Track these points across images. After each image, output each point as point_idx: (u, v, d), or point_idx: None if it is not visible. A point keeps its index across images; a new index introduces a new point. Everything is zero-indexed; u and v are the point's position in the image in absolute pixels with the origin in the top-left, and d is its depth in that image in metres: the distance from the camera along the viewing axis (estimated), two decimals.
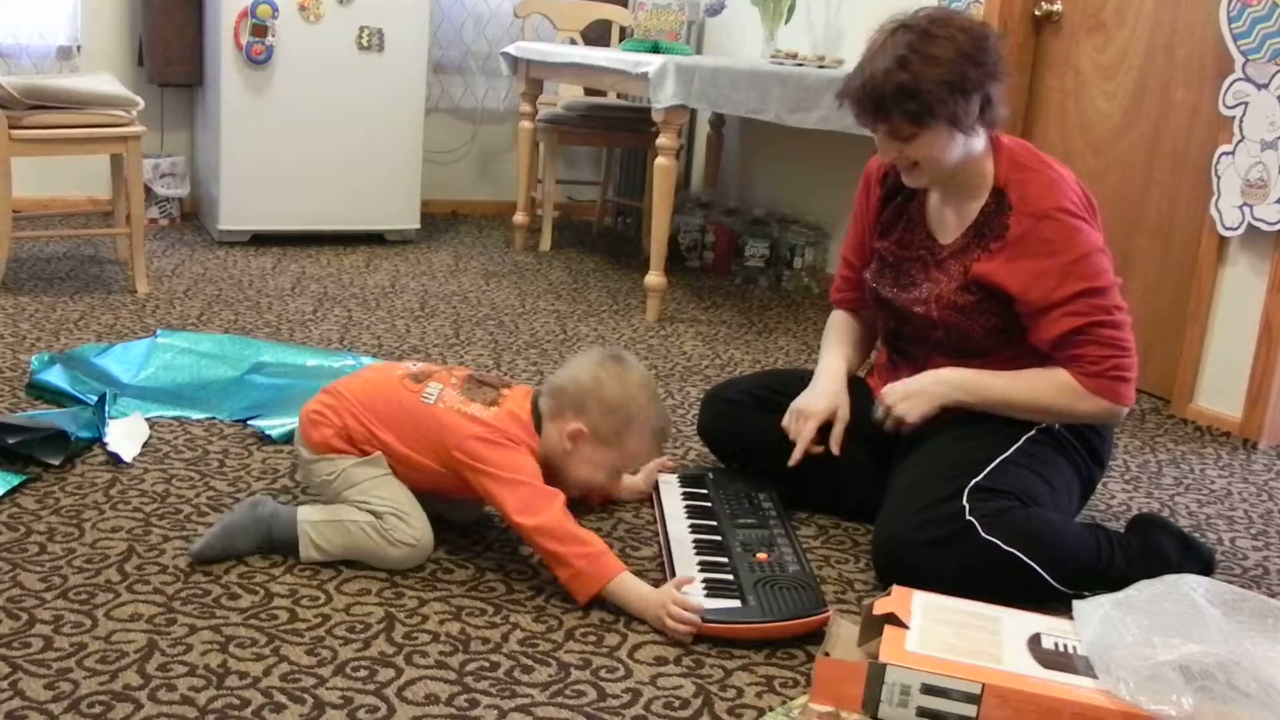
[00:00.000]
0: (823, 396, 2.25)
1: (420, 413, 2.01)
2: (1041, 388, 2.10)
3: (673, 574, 1.96)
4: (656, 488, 2.33)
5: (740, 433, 2.38)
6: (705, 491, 2.30)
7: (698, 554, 2.03)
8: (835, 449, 2.22)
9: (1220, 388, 3.18)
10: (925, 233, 2.22)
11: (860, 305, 2.41)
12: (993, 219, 2.11)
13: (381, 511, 1.97)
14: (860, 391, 2.37)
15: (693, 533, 2.11)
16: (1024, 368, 2.12)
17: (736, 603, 1.86)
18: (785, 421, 2.27)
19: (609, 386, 2.01)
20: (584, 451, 2.02)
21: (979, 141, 2.09)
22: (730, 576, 1.94)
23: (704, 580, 1.92)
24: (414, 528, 1.97)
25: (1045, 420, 2.12)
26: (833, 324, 2.45)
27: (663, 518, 2.20)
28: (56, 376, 2.72)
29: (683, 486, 2.33)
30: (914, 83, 1.98)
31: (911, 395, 2.15)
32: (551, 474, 2.03)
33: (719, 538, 2.09)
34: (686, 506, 2.23)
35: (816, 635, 1.82)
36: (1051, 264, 2.05)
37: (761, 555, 2.00)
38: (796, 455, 2.23)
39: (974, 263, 2.11)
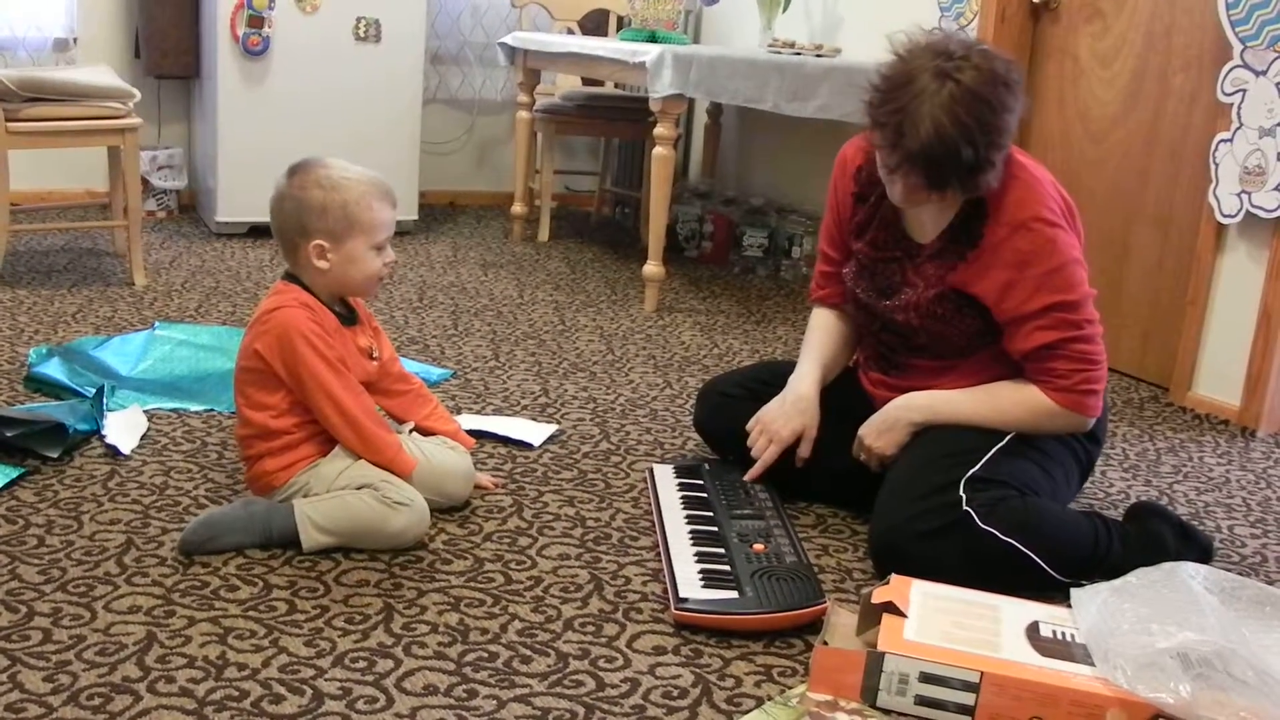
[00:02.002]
0: (793, 417, 2.25)
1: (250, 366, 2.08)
2: (1009, 407, 2.10)
3: (669, 566, 1.96)
4: (653, 479, 2.33)
5: (736, 427, 2.37)
6: (701, 483, 2.29)
7: (694, 545, 2.03)
8: (798, 463, 2.25)
9: (1219, 375, 3.18)
10: (900, 232, 2.19)
11: (841, 300, 2.38)
12: (970, 224, 2.08)
13: (374, 480, 2.01)
14: (850, 382, 2.37)
15: (689, 524, 2.11)
16: (1006, 365, 2.12)
17: (734, 594, 1.86)
18: (751, 430, 2.28)
19: (308, 196, 2.04)
20: (339, 255, 2.05)
21: None
22: (727, 568, 1.94)
23: (700, 571, 1.92)
24: (406, 489, 2.02)
25: (1015, 431, 2.10)
26: (813, 326, 2.41)
27: (659, 509, 2.19)
28: (54, 369, 2.72)
29: (679, 478, 2.33)
30: (976, 155, 1.93)
31: (885, 431, 2.17)
32: (346, 291, 2.13)
33: (715, 529, 2.09)
34: (683, 498, 2.23)
35: (814, 625, 1.82)
36: (1025, 275, 2.03)
37: (758, 546, 2.00)
38: (754, 473, 2.26)
39: (949, 271, 2.10)
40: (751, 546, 2.00)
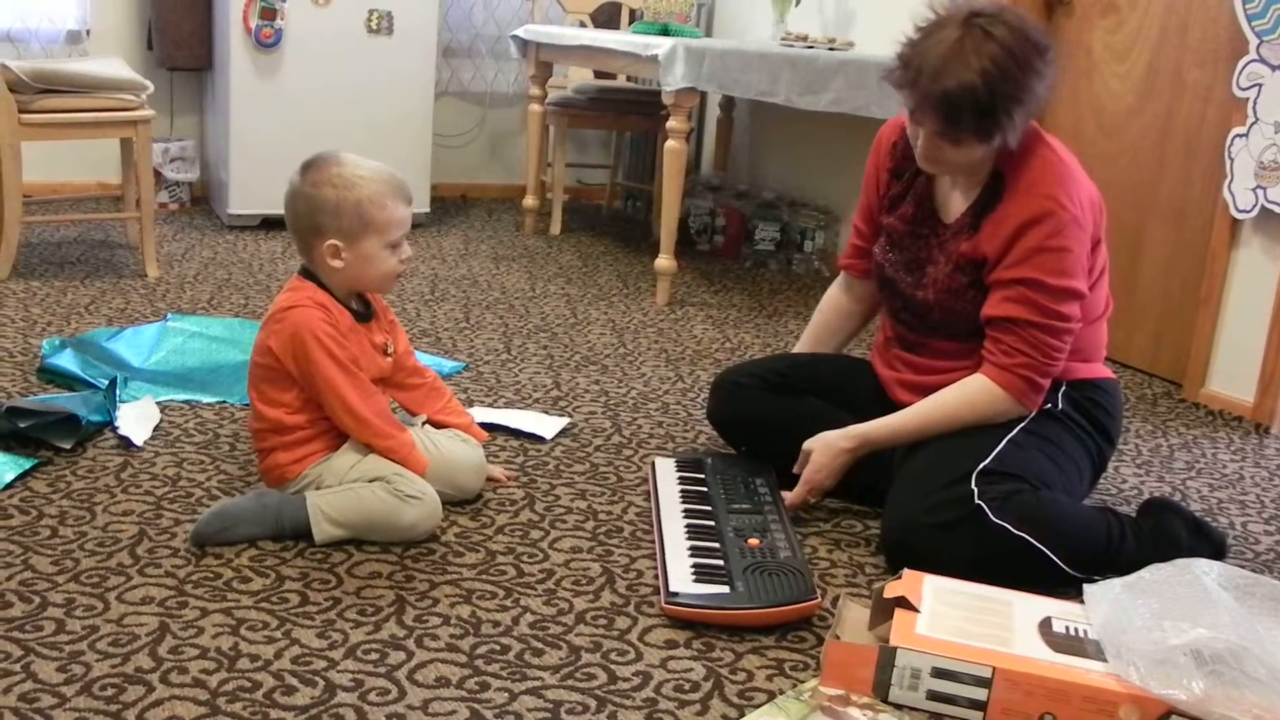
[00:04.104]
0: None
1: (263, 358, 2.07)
2: (945, 398, 2.11)
3: (662, 559, 1.96)
4: (654, 471, 2.33)
5: (749, 417, 2.37)
6: (702, 476, 2.29)
7: (689, 539, 2.02)
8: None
9: (1233, 372, 3.17)
10: (930, 210, 2.20)
11: (863, 274, 2.40)
12: (992, 199, 2.09)
13: (386, 473, 2.01)
14: (864, 370, 2.36)
15: (686, 517, 2.11)
16: None
17: (725, 588, 1.85)
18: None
19: (321, 195, 2.02)
20: (354, 254, 2.04)
21: None
22: (720, 562, 1.93)
23: (693, 565, 1.92)
24: (419, 482, 2.02)
25: (962, 427, 2.09)
26: (819, 320, 2.50)
27: (657, 502, 2.19)
28: (67, 360, 2.73)
29: (680, 471, 2.32)
30: (992, 100, 1.94)
31: (821, 468, 2.15)
32: (361, 288, 2.12)
33: (712, 523, 2.08)
34: (682, 491, 2.22)
35: (806, 621, 1.83)
36: (1019, 243, 2.03)
37: (753, 541, 1.99)
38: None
39: (965, 241, 2.11)
40: (746, 541, 1.99)
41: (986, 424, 2.08)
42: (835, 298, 2.50)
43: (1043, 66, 1.99)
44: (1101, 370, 2.23)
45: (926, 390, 2.16)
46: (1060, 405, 2.14)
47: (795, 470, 2.20)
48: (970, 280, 2.11)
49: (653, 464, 2.38)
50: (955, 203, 2.16)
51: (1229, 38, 3.16)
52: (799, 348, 2.55)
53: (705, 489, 2.23)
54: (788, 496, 2.19)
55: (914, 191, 2.22)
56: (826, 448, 2.15)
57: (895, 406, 2.20)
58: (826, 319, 2.51)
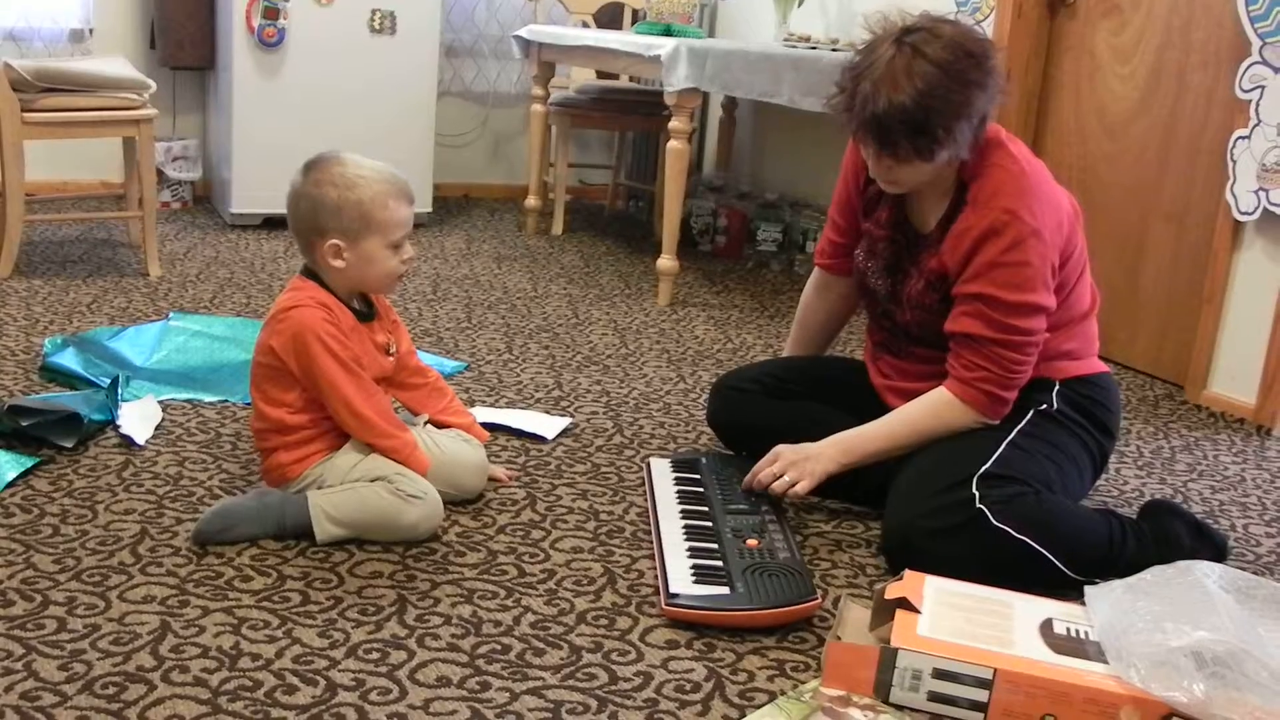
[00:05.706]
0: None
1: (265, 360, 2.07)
2: (914, 410, 2.12)
3: (661, 560, 1.96)
4: (649, 471, 2.33)
5: (749, 421, 2.37)
6: (698, 476, 2.29)
7: (687, 540, 2.02)
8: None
9: (1234, 374, 3.16)
10: (904, 218, 2.20)
11: (844, 272, 2.39)
12: (954, 213, 2.09)
13: (388, 473, 2.01)
14: (863, 373, 2.36)
15: (684, 518, 2.11)
16: None
17: (725, 589, 1.85)
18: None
19: (322, 195, 2.01)
20: (355, 255, 2.04)
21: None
22: (719, 563, 1.93)
23: (693, 566, 1.92)
24: (420, 482, 2.02)
25: (929, 439, 2.10)
26: (800, 325, 2.52)
27: (654, 502, 2.19)
28: (69, 359, 2.73)
29: (675, 471, 2.32)
30: (927, 119, 1.93)
31: (798, 464, 2.13)
32: (363, 289, 2.11)
33: (710, 524, 2.08)
34: (678, 492, 2.22)
35: (806, 622, 1.83)
36: (976, 259, 2.02)
37: (752, 542, 1.99)
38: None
39: (933, 257, 2.10)
40: (745, 541, 1.99)
41: (951, 433, 2.09)
42: (812, 301, 2.50)
43: (981, 76, 1.96)
44: (1095, 365, 2.22)
45: (917, 395, 2.16)
46: (1056, 405, 2.13)
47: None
48: (941, 297, 2.11)
49: (648, 464, 2.38)
50: (927, 214, 2.16)
51: (1232, 40, 3.15)
52: (786, 354, 2.56)
53: (701, 489, 2.23)
54: (757, 466, 2.17)
55: (888, 196, 2.20)
56: (797, 446, 2.16)
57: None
58: (807, 323, 2.51)
